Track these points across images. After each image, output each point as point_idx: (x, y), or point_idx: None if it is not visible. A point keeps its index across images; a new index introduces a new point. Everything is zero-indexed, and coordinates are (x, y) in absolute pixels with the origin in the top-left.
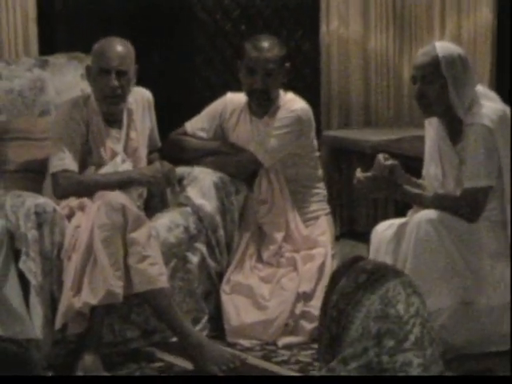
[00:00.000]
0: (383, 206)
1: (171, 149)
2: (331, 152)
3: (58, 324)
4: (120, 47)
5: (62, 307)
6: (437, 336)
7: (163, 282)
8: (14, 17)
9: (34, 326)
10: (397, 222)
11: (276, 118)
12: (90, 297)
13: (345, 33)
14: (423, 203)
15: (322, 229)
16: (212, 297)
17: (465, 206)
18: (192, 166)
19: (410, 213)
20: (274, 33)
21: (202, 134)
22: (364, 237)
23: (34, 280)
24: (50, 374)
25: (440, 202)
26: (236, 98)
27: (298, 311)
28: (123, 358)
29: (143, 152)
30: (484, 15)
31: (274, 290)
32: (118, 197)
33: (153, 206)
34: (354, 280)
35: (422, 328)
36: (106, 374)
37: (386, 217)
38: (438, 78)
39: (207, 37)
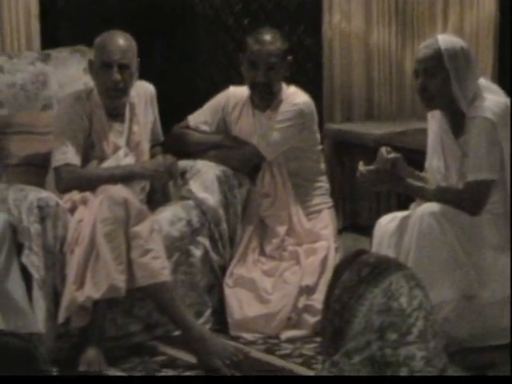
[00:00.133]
0: (386, 200)
1: (174, 142)
2: (334, 145)
3: (61, 318)
4: (122, 41)
5: (64, 301)
6: (440, 329)
7: (166, 275)
8: (17, 11)
9: (37, 320)
10: (399, 215)
11: (278, 111)
12: (92, 291)
13: (347, 27)
14: (426, 196)
15: (325, 222)
16: (215, 290)
17: (467, 199)
18: (195, 159)
19: (412, 206)
20: (277, 27)
21: (205, 128)
22: (367, 230)
23: (37, 274)
24: (53, 368)
25: (443, 195)
26: (238, 92)
27: (300, 305)
28: (126, 351)
29: (146, 146)
30: (487, 8)
31: (276, 284)
32: (120, 191)
33: (155, 199)
34: (357, 273)
35: (425, 321)
36: (108, 367)
37: (388, 210)
38: (440, 71)
39: (209, 31)
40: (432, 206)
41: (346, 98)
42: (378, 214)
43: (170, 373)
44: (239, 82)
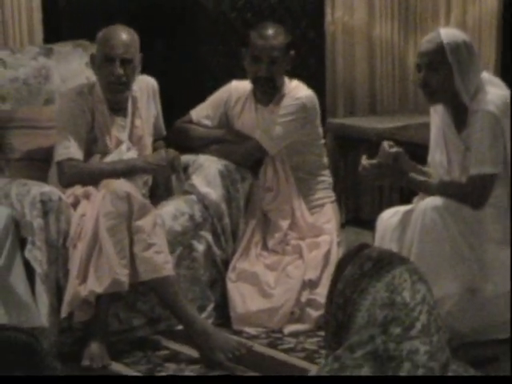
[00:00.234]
0: (388, 194)
1: (176, 137)
2: (336, 139)
3: (64, 312)
4: (124, 35)
5: (67, 295)
6: (443, 323)
7: (169, 270)
8: (19, 6)
9: (40, 314)
10: (402, 209)
11: (281, 105)
12: (95, 285)
13: (350, 21)
14: (428, 190)
15: (328, 216)
16: (218, 285)
17: (470, 193)
18: (197, 153)
19: (415, 200)
20: (279, 21)
21: (207, 122)
22: (369, 224)
23: (40, 268)
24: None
25: (445, 189)
26: (241, 86)
27: (303, 299)
28: (129, 346)
29: (148, 140)
30: (489, 2)
31: (279, 278)
32: (123, 185)
33: (158, 194)
34: (360, 268)
35: (429, 315)
36: (111, 362)
37: (391, 204)
38: (442, 65)
39: (212, 25)
40: (435, 200)
41: (348, 93)
42: (381, 208)
43: (172, 367)
44: (242, 76)
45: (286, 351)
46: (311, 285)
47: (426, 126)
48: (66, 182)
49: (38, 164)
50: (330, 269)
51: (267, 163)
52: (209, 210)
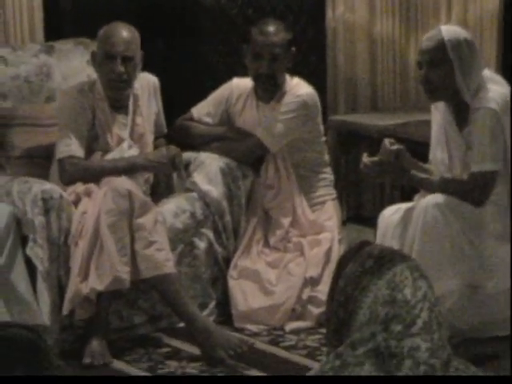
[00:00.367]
0: (390, 191)
1: (177, 134)
2: (338, 137)
3: (66, 310)
4: (125, 33)
5: (69, 293)
6: (444, 320)
7: (170, 267)
8: (20, 3)
9: (42, 312)
10: (403, 206)
11: (282, 103)
12: (96, 283)
13: (351, 17)
14: (430, 188)
15: (329, 214)
16: (219, 282)
17: (472, 190)
18: (198, 151)
19: (416, 197)
20: (280, 18)
21: (208, 120)
22: (371, 221)
23: (41, 266)
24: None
25: (447, 187)
26: (242, 83)
27: (305, 296)
28: (130, 343)
29: (149, 138)
30: (490, 0)
31: (281, 275)
32: (124, 182)
33: (159, 191)
34: (361, 265)
35: (430, 312)
36: (112, 359)
37: (392, 201)
38: (444, 62)
39: (213, 22)
40: (436, 198)
41: (349, 90)
42: (382, 206)
43: (174, 364)
44: (243, 73)
45: (287, 348)
46: (312, 282)
47: (428, 123)
48: (67, 180)
49: (39, 162)
50: (332, 266)
51: (268, 161)
52: (210, 207)
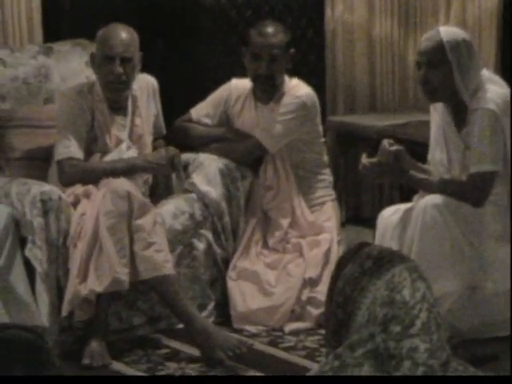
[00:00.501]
0: (389, 192)
1: (176, 135)
2: (336, 137)
3: (65, 311)
4: (124, 34)
5: (68, 294)
6: (443, 321)
7: (169, 268)
8: (19, 5)
9: (40, 313)
10: (402, 207)
11: (281, 103)
12: (95, 284)
13: (349, 18)
14: (429, 188)
15: (328, 215)
16: (218, 283)
17: (470, 191)
18: (197, 152)
19: (415, 198)
20: (279, 19)
21: (207, 121)
22: (370, 222)
23: (40, 267)
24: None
25: (445, 187)
26: (241, 84)
27: (304, 297)
28: (129, 344)
29: (148, 139)
30: (489, 0)
31: (280, 276)
32: (123, 184)
33: (158, 192)
34: (360, 266)
35: (429, 313)
36: (112, 360)
37: (391, 202)
38: (442, 62)
39: (212, 23)
40: (435, 198)
41: (348, 90)
42: (381, 207)
43: (173, 366)
44: (242, 74)
45: (286, 349)
46: (312, 283)
47: (426, 123)
48: (66, 181)
49: (38, 163)
50: (331, 267)
51: (267, 161)
52: (209, 208)
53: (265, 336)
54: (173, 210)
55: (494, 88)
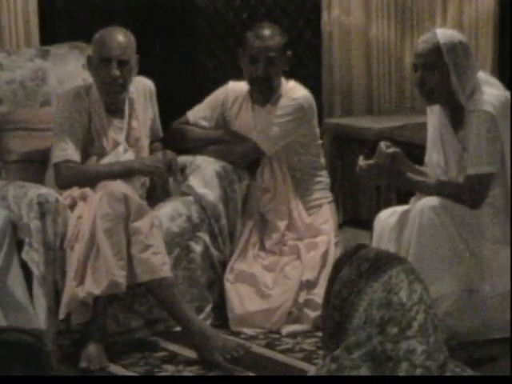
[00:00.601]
0: (386, 194)
1: (173, 138)
2: (333, 140)
3: (62, 314)
4: (121, 37)
5: (65, 297)
6: (440, 323)
7: (166, 271)
8: (15, 7)
9: (38, 316)
10: (399, 209)
11: (278, 106)
12: (93, 287)
13: (346, 20)
14: (426, 190)
15: (325, 217)
16: (215, 286)
17: (468, 193)
18: (194, 155)
19: (412, 200)
20: (276, 21)
21: (204, 123)
22: (367, 224)
23: (37, 270)
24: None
25: (443, 189)
26: (238, 87)
27: (301, 299)
28: (127, 347)
29: (145, 141)
30: (486, 1)
31: (277, 279)
32: (120, 186)
33: (155, 195)
34: (357, 268)
35: (426, 315)
36: (109, 363)
37: (388, 204)
38: (439, 65)
39: (209, 26)
40: (432, 200)
41: (345, 93)
42: (378, 209)
43: (170, 368)
44: (239, 76)
45: (283, 352)
46: (309, 285)
47: (423, 125)
48: (63, 184)
49: (35, 166)
50: (328, 269)
51: (264, 164)
52: (206, 211)
53: (262, 338)
54: (170, 212)
55: (490, 90)
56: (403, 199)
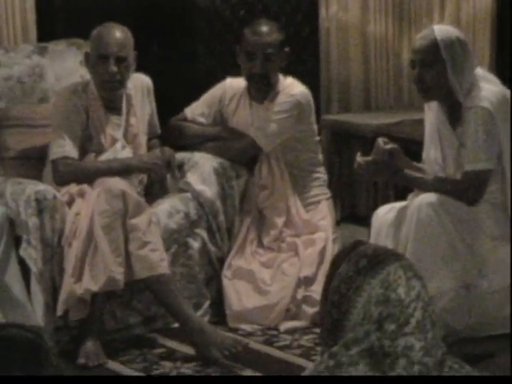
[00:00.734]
0: (383, 190)
1: (171, 134)
2: (331, 136)
3: (60, 311)
4: (118, 33)
5: (63, 294)
6: (438, 319)
7: (164, 268)
8: (13, 4)
9: (36, 313)
10: (397, 205)
11: (276, 102)
12: (91, 283)
13: (344, 17)
14: (423, 187)
15: (323, 213)
16: (213, 282)
17: (465, 189)
18: (192, 151)
19: (410, 196)
20: (273, 18)
21: (202, 120)
22: (365, 221)
23: (35, 267)
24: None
25: (440, 186)
26: (235, 83)
27: (299, 296)
28: (125, 344)
29: (143, 138)
30: None
31: (275, 275)
32: (118, 183)
33: (153, 192)
34: (355, 265)
35: (424, 311)
36: (107, 360)
37: (386, 201)
38: (436, 61)
39: (206, 22)
40: (430, 197)
41: (343, 89)
42: (376, 205)
43: (168, 365)
44: (236, 73)
45: (281, 348)
46: (307, 282)
47: (421, 122)
48: (60, 181)
49: (33, 162)
50: (326, 266)
51: (262, 160)
52: (204, 207)
53: (260, 335)
54: (168, 209)
55: (488, 86)
56: (401, 195)
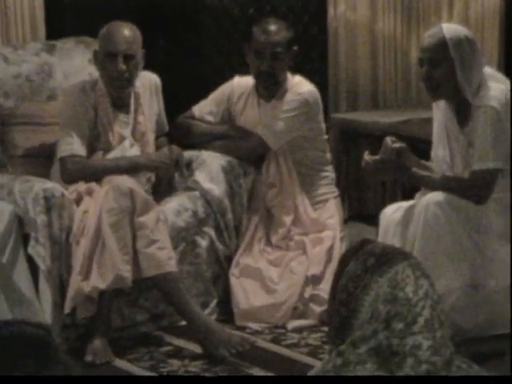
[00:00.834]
0: (391, 189)
1: (179, 133)
2: (339, 135)
3: (67, 308)
4: (127, 31)
5: (70, 291)
6: (446, 318)
7: (172, 266)
8: (21, 2)
9: (43, 310)
10: (405, 204)
11: (284, 101)
12: (98, 281)
13: (352, 16)
14: (431, 185)
15: (331, 212)
16: (221, 280)
17: (473, 188)
18: (200, 149)
19: (417, 195)
20: (282, 17)
21: (210, 118)
22: (372, 220)
23: (43, 265)
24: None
25: (448, 184)
26: (243, 82)
27: (307, 294)
28: (132, 342)
29: (151, 136)
30: None
31: (283, 274)
32: (126, 181)
33: (161, 190)
34: (363, 263)
35: (432, 310)
36: (114, 358)
37: (394, 199)
38: (445, 60)
39: (215, 21)
40: (437, 196)
41: (351, 87)
42: (384, 204)
43: (175, 363)
44: (244, 71)
45: (289, 347)
46: (314, 280)
47: (429, 120)
48: (68, 179)
49: (41, 160)
50: (334, 264)
51: (270, 159)
52: (212, 205)
53: (267, 333)
54: (176, 207)
55: (496, 85)
56: (408, 194)
